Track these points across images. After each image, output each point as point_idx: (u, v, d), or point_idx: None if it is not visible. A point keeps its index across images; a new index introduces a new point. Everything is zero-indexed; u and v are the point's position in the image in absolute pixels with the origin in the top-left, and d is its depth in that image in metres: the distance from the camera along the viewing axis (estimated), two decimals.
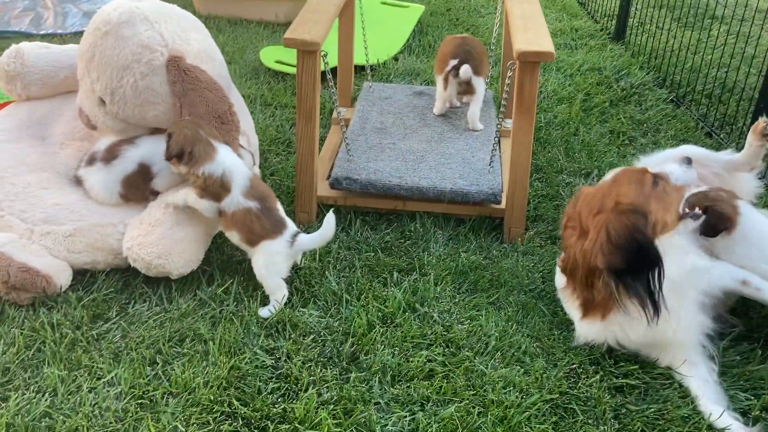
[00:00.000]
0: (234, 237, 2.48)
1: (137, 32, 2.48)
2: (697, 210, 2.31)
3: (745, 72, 4.31)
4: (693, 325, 2.19)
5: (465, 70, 3.19)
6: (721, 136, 3.71)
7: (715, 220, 2.33)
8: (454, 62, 3.23)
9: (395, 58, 4.65)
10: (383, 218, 2.97)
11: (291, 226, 2.50)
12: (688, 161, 2.40)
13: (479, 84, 3.28)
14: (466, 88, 3.31)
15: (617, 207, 2.14)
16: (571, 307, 2.33)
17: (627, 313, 2.14)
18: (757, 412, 2.09)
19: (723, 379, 2.21)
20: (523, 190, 2.75)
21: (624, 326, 2.19)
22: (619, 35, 5.08)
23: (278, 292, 2.46)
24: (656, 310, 2.09)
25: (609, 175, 2.38)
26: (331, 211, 2.49)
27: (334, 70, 3.72)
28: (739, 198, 2.48)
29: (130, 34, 2.48)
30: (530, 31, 2.67)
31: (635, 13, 5.15)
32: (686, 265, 2.22)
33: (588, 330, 2.26)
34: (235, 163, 2.47)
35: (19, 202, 2.53)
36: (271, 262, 2.44)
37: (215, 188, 2.43)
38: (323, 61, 2.67)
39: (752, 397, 2.14)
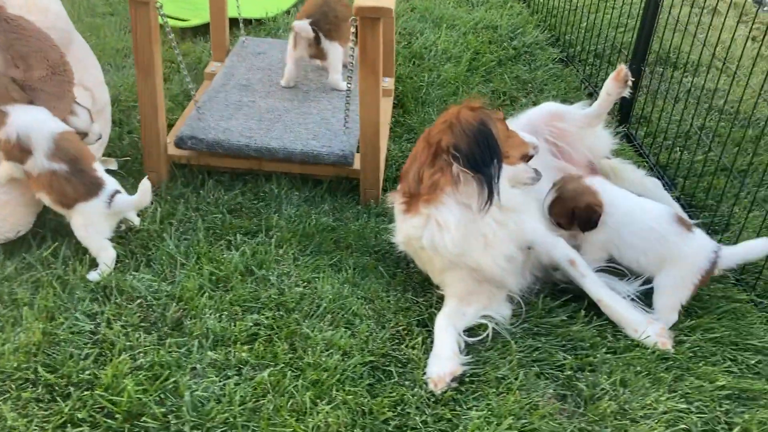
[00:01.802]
0: (45, 199, 2.38)
1: None
2: (538, 176, 2.33)
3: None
4: (504, 256, 2.23)
5: (301, 26, 3.04)
6: None
7: (586, 216, 2.33)
8: (301, 23, 3.08)
9: (287, 12, 4.51)
10: (240, 179, 2.90)
11: (109, 185, 2.40)
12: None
13: (332, 49, 3.13)
14: (316, 52, 3.15)
15: (468, 104, 2.22)
16: (398, 211, 2.32)
17: (453, 205, 2.16)
18: (569, 372, 2.11)
19: (546, 338, 2.23)
20: (374, 151, 2.70)
21: (442, 227, 2.17)
22: None
23: (103, 253, 2.38)
24: (491, 197, 2.11)
25: None
26: (146, 178, 2.42)
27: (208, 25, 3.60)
28: (584, 176, 2.49)
29: None
30: None
31: None
32: (521, 204, 2.27)
33: (408, 225, 2.25)
34: (34, 124, 2.34)
35: None
36: (89, 223, 2.36)
37: (15, 152, 2.31)
38: (159, 14, 2.54)
39: (569, 357, 2.17)
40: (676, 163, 3.13)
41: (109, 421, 1.89)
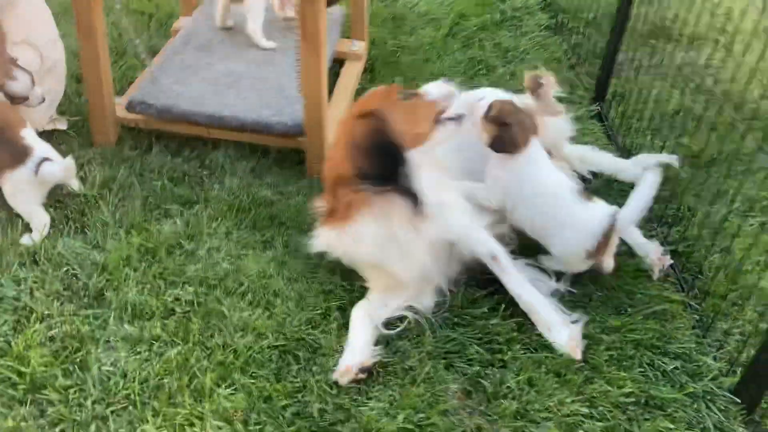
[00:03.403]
0: None
1: None
2: (460, 113, 2.27)
3: None
4: (423, 263, 2.21)
5: None
6: (582, 71, 3.58)
7: (511, 135, 2.26)
8: None
9: None
10: (188, 145, 2.88)
11: (38, 153, 2.40)
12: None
13: None
14: None
15: (358, 113, 2.15)
16: (319, 218, 2.30)
17: (370, 224, 2.14)
18: (478, 367, 2.11)
19: (464, 330, 2.22)
20: (319, 126, 2.65)
21: (357, 241, 2.16)
22: None
23: (35, 219, 2.41)
24: (416, 200, 2.09)
25: None
26: (69, 156, 2.44)
27: None
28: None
29: None
30: None
31: None
32: (442, 200, 2.21)
33: (325, 237, 2.24)
34: None
35: None
36: (18, 190, 2.38)
37: None
38: None
39: (482, 350, 2.15)
40: (640, 148, 3.02)
41: (10, 391, 1.94)
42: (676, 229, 2.62)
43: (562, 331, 2.17)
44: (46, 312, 2.17)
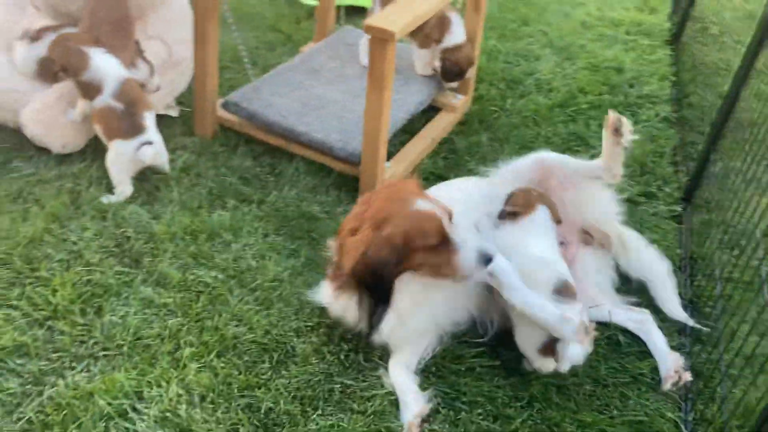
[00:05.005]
0: (98, 130, 2.84)
1: None
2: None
3: None
4: (416, 330, 2.29)
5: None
6: (683, 170, 3.44)
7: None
8: None
9: None
10: (269, 153, 3.17)
11: (146, 135, 2.80)
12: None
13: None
14: None
15: (387, 237, 2.07)
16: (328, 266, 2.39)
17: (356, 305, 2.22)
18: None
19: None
20: (373, 160, 2.83)
21: (346, 309, 2.28)
22: (675, 37, 4.68)
23: (120, 187, 2.81)
24: (371, 327, 2.21)
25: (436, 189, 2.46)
26: (160, 140, 2.84)
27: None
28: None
29: None
30: (396, 6, 2.68)
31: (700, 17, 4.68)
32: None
33: (326, 292, 2.36)
34: (109, 68, 2.80)
35: None
36: (117, 159, 2.79)
37: (92, 91, 2.78)
38: None
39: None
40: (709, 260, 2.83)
41: (35, 313, 2.31)
42: (706, 349, 2.46)
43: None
44: (91, 260, 2.53)
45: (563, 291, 2.21)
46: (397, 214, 2.10)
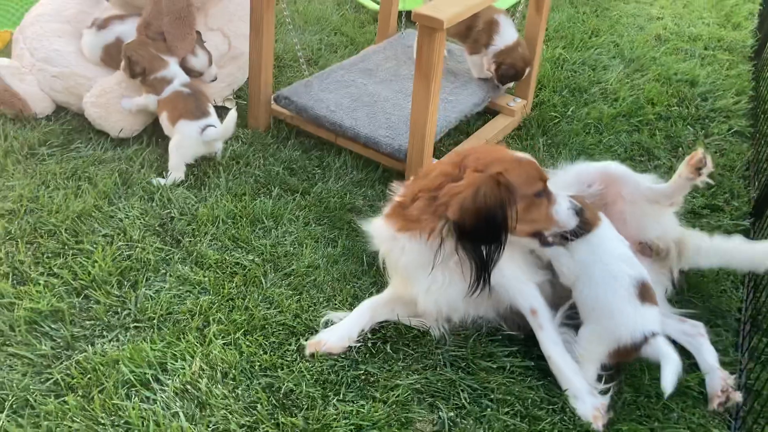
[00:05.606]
0: (164, 118, 2.92)
1: None
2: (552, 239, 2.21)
3: None
4: (447, 305, 2.23)
5: None
6: (755, 185, 3.22)
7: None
8: None
9: None
10: (318, 147, 3.18)
11: (209, 119, 2.86)
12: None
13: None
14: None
15: (497, 176, 2.03)
16: (385, 209, 2.31)
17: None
18: (452, 413, 2.05)
19: (463, 375, 2.17)
20: (420, 154, 2.78)
21: (406, 250, 2.18)
22: (758, 53, 4.44)
23: (174, 172, 2.87)
24: (481, 283, 2.10)
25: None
26: (233, 109, 2.88)
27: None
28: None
29: None
30: None
31: None
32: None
33: (379, 230, 2.28)
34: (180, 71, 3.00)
35: (37, 41, 3.20)
36: (182, 143, 2.86)
37: (162, 86, 2.91)
38: None
39: (469, 400, 2.09)
40: None
41: (74, 282, 2.36)
42: (765, 366, 2.26)
43: (587, 400, 2.07)
44: (134, 236, 2.58)
45: (644, 292, 2.14)
46: (502, 158, 2.10)
